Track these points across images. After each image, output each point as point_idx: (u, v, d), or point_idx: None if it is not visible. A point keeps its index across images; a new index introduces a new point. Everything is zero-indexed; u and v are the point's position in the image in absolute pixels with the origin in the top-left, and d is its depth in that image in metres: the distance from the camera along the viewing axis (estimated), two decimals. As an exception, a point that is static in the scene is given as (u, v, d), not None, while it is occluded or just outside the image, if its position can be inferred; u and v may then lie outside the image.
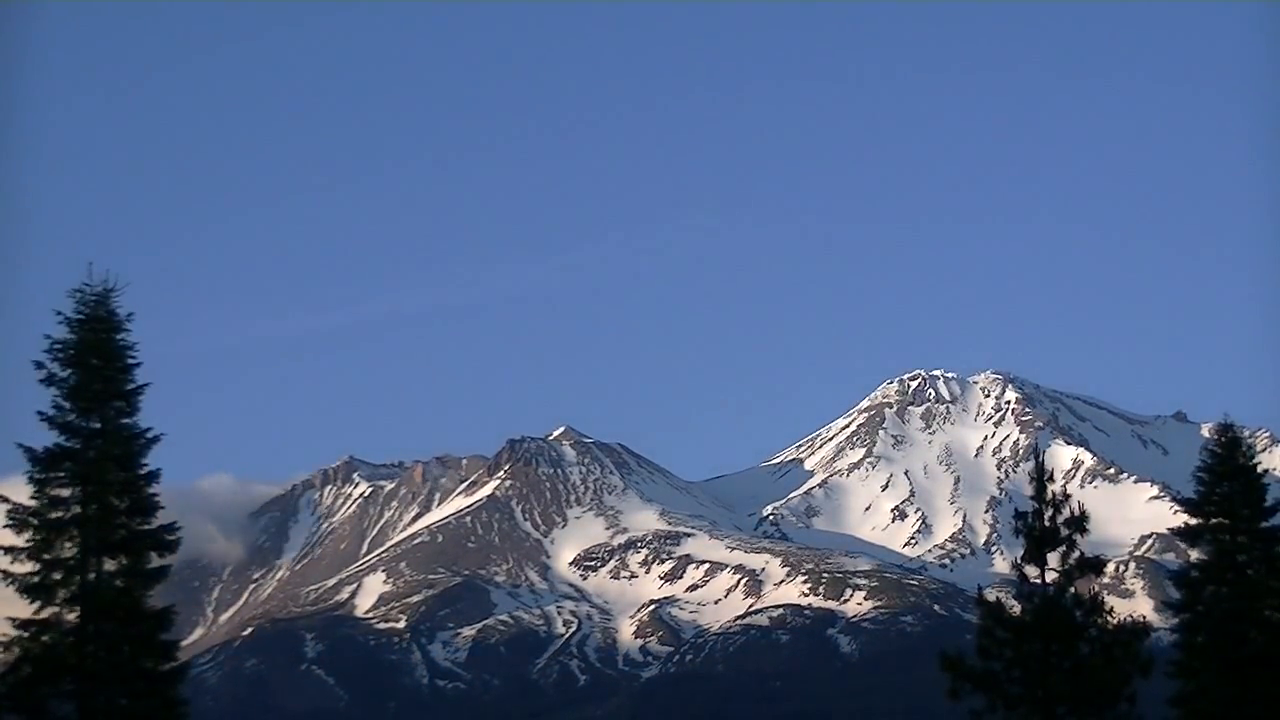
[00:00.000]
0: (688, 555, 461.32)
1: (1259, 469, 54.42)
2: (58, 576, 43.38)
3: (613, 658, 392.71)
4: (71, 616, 43.35)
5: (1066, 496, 45.25)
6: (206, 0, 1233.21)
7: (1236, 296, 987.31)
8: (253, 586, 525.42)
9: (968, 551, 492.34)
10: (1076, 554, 44.72)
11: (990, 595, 46.03)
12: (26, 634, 43.06)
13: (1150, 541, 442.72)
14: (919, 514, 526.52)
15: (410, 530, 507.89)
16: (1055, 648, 44.03)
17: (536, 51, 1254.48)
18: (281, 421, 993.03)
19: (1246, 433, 56.90)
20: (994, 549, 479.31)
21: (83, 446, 44.05)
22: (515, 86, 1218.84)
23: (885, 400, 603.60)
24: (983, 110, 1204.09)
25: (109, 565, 43.96)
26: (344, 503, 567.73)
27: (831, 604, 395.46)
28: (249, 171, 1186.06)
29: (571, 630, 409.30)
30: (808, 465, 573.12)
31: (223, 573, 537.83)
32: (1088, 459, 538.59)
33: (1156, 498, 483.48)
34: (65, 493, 43.94)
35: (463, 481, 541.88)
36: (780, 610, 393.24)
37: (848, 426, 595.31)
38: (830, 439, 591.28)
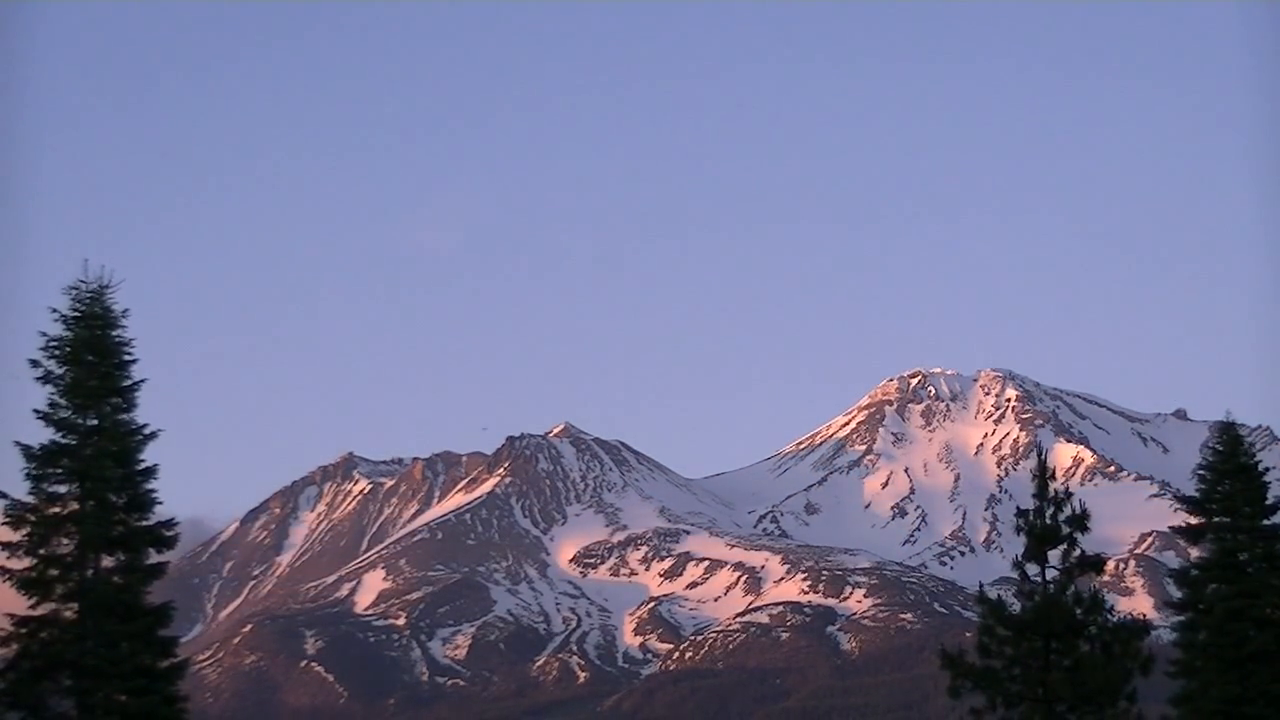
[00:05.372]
0: (687, 552, 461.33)
1: (1260, 467, 54.35)
2: (55, 573, 43.18)
3: (612, 655, 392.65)
4: (70, 613, 43.15)
5: (1068, 494, 45.11)
6: (204, 0, 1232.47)
7: (1236, 295, 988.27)
8: (252, 583, 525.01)
9: (968, 549, 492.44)
10: (1077, 552, 44.61)
11: (991, 593, 45.93)
12: (25, 630, 42.88)
13: (1151, 539, 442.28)
14: (919, 511, 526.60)
15: (410, 527, 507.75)
16: (1056, 645, 43.95)
17: (535, 48, 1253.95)
18: (282, 418, 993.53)
19: (1247, 431, 56.85)
20: (994, 547, 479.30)
21: (79, 443, 43.85)
22: (515, 83, 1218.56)
23: (885, 398, 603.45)
24: (983, 109, 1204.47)
25: (107, 561, 43.77)
26: (344, 499, 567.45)
27: (831, 601, 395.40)
28: (248, 170, 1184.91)
29: (571, 627, 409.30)
30: (808, 462, 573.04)
31: (223, 569, 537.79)
32: (1088, 457, 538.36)
33: (1157, 496, 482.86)
34: (63, 489, 43.78)
35: (462, 478, 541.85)
36: (780, 607, 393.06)
37: (848, 424, 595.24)
38: (830, 436, 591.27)
